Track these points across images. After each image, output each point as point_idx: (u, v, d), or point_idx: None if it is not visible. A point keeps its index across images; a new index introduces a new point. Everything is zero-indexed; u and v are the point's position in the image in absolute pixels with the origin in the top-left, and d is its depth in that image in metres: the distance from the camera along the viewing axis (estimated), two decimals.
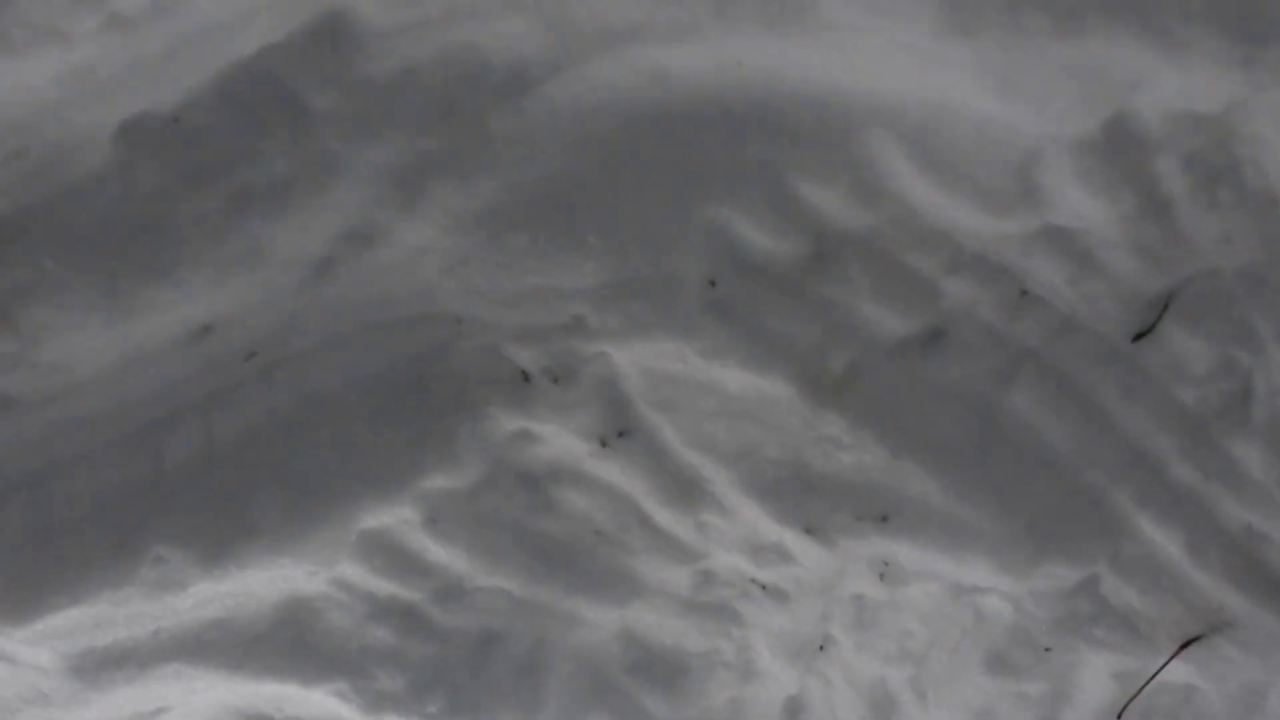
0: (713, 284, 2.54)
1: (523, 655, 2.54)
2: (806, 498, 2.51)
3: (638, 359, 2.49)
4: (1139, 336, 2.46)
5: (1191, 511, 2.42)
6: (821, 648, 2.55)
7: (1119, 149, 2.56)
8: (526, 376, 2.48)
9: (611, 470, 2.52)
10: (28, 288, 2.64)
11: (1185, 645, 2.38)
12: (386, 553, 2.49)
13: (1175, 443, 2.45)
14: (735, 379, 2.52)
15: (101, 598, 2.40)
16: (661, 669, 2.56)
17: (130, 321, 2.60)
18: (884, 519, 2.49)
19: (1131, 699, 2.39)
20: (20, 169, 2.79)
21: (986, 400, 2.49)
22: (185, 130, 2.70)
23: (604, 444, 2.52)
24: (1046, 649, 2.45)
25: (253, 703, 2.55)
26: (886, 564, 2.50)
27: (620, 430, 2.52)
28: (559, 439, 2.51)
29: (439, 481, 2.48)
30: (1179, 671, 2.39)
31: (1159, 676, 2.38)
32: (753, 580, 2.54)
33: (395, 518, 2.48)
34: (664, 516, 2.52)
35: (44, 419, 2.47)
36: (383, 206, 2.60)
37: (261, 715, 2.54)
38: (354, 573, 2.49)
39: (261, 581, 2.46)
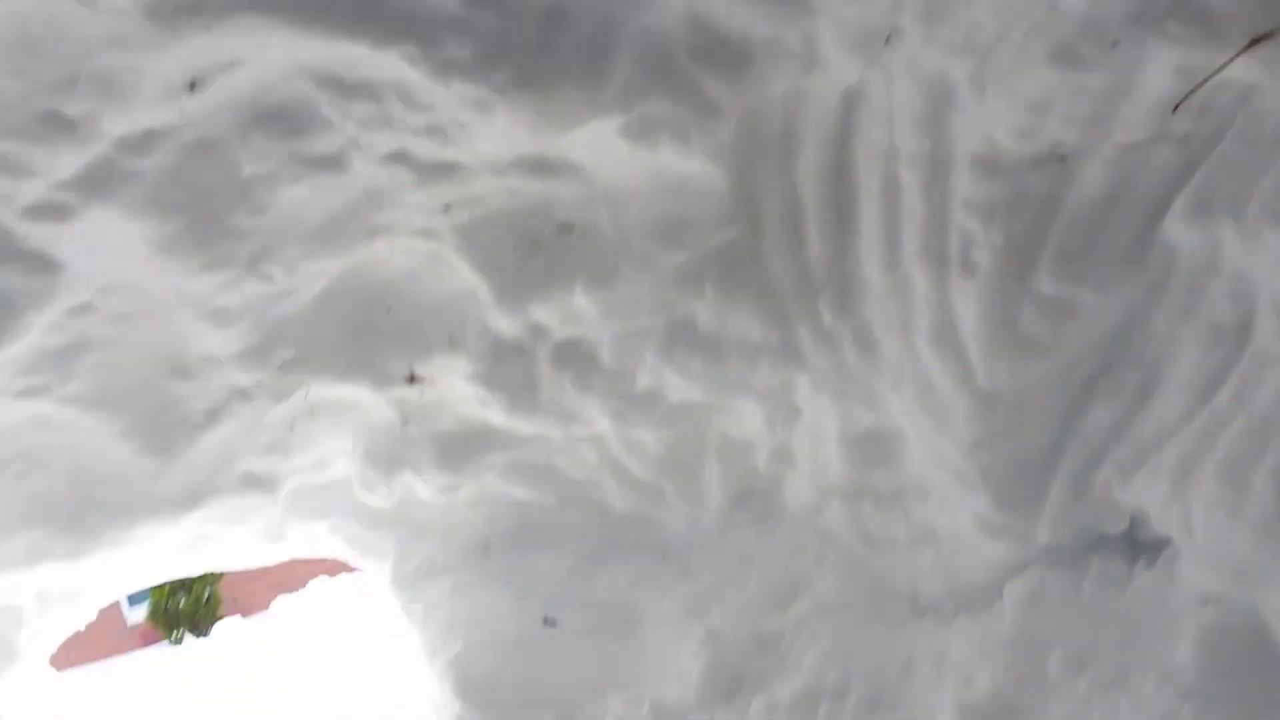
0: None
1: (589, 34, 2.54)
2: None
3: None
4: None
5: None
6: (888, 40, 2.54)
7: None
8: None
9: None
10: None
11: (1256, 41, 2.37)
12: None
13: None
14: None
15: None
16: (725, 55, 2.58)
17: None
18: None
19: (1192, 90, 2.43)
20: None
21: None
22: None
23: None
24: (1115, 42, 2.44)
25: (325, 65, 2.58)
26: None
27: None
28: None
29: None
30: (1243, 69, 2.39)
31: (1222, 73, 2.39)
32: None
33: None
34: None
35: None
36: None
37: (333, 76, 2.58)
38: None
39: None
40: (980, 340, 2.88)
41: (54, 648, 4.01)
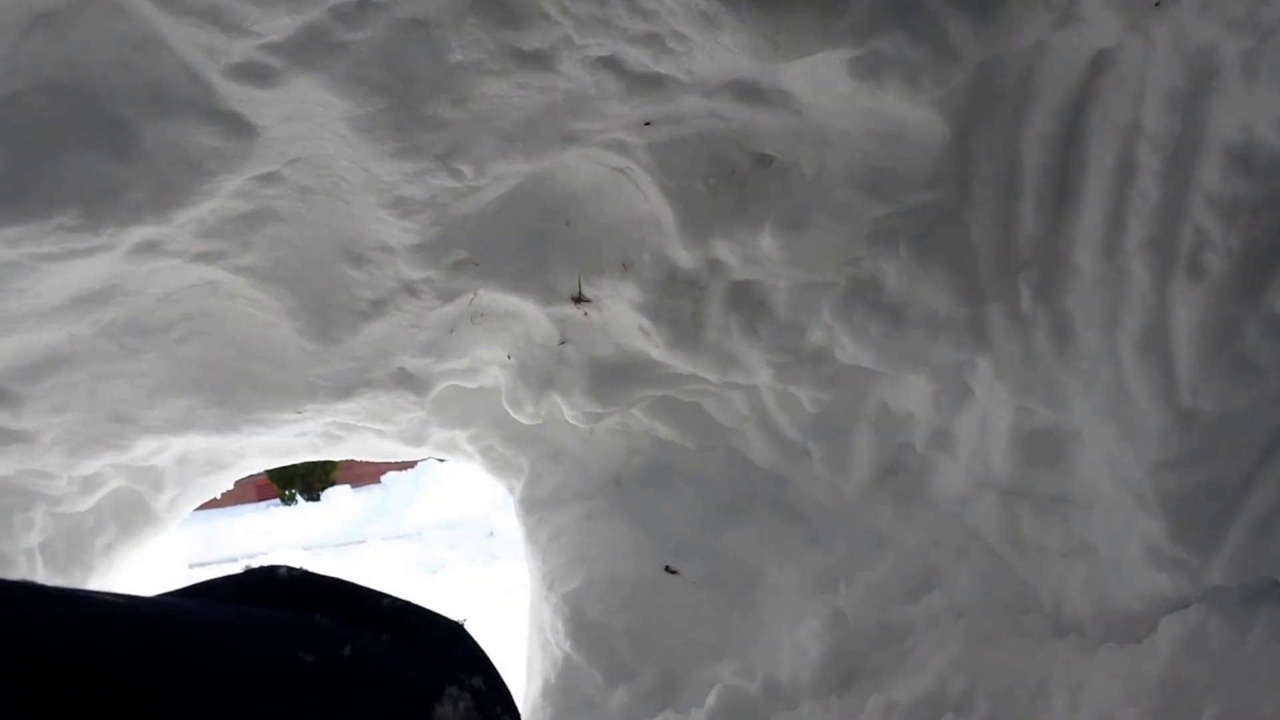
0: None
1: None
2: None
3: None
4: None
5: None
6: (1158, 2, 2.28)
7: None
8: None
9: None
10: None
11: None
12: None
13: None
14: None
15: None
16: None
17: None
18: None
19: None
20: None
21: None
22: None
23: None
24: None
25: None
26: None
27: None
28: None
29: None
30: None
31: None
32: None
33: None
34: None
35: None
36: None
37: None
38: None
39: None
40: (1194, 352, 2.63)
41: (187, 514, 4.12)
